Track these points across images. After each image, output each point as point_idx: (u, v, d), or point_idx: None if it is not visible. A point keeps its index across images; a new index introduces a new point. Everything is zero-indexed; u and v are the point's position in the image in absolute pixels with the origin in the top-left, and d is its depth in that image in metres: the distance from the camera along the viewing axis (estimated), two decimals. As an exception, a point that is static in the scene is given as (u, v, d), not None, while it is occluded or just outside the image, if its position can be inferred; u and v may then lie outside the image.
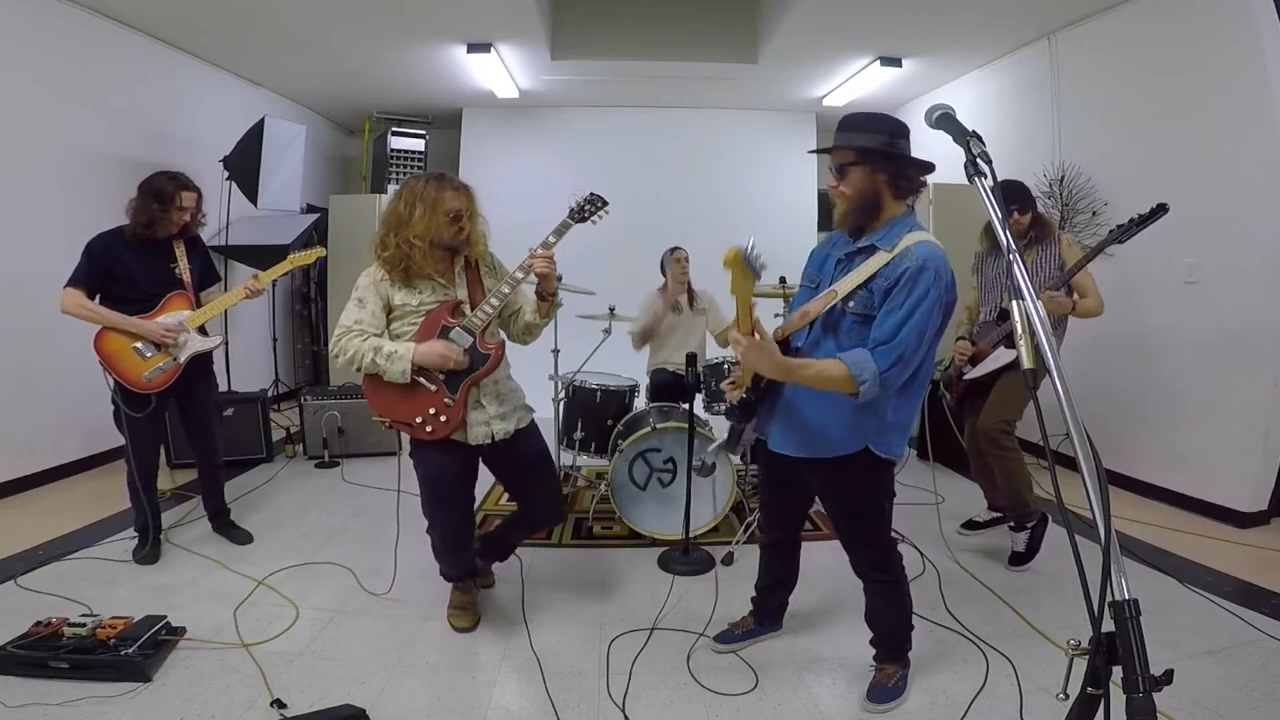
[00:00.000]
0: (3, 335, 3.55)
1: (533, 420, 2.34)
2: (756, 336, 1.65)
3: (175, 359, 2.73)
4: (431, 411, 2.05)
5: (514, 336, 2.30)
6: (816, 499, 2.03)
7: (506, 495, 3.58)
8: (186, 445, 3.11)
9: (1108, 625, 0.83)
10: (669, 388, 3.62)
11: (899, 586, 1.96)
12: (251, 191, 4.80)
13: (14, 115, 3.56)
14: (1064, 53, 4.34)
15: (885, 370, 1.61)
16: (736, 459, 2.33)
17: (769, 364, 1.65)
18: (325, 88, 5.90)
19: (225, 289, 3.07)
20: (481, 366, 2.09)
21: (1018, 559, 2.84)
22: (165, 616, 2.16)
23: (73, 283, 2.62)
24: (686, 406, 2.98)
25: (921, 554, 2.95)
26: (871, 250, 1.73)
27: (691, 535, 2.89)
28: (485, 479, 2.80)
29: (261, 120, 4.77)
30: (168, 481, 3.62)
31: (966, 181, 1.13)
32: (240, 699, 1.92)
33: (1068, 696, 0.90)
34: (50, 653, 1.96)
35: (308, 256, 3.08)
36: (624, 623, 2.40)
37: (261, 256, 4.54)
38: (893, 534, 1.97)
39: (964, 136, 1.14)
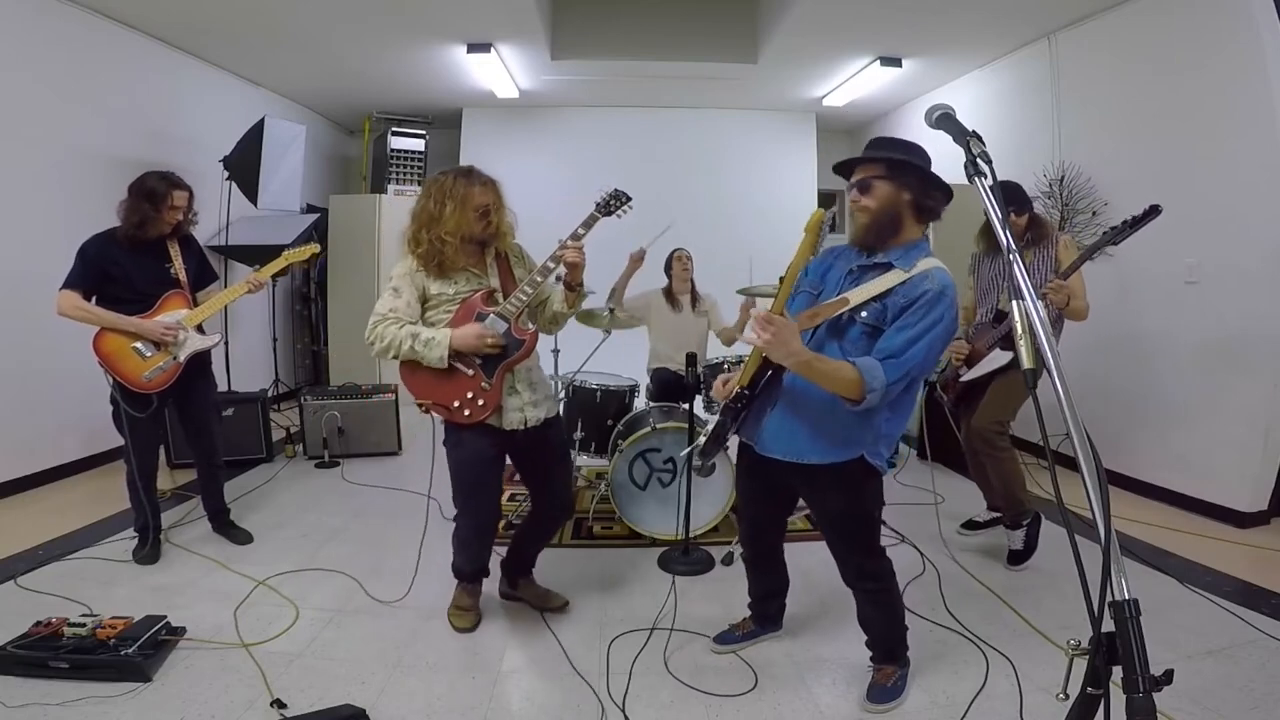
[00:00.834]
0: (3, 335, 3.55)
1: (559, 413, 2.38)
2: (767, 323, 1.61)
3: (175, 358, 2.73)
4: (469, 395, 2.09)
5: (542, 326, 2.34)
6: (798, 505, 2.03)
7: (505, 495, 3.59)
8: (186, 445, 3.10)
9: (1108, 625, 0.83)
10: (669, 388, 3.62)
11: (890, 594, 1.96)
12: (251, 191, 4.80)
13: (14, 115, 3.56)
14: (1064, 53, 4.34)
15: (892, 383, 1.63)
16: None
17: (791, 350, 1.59)
18: (325, 88, 5.90)
19: (224, 287, 3.07)
20: (517, 351, 2.13)
21: (1016, 557, 2.84)
22: (165, 616, 2.16)
23: (68, 285, 2.62)
24: (686, 406, 2.98)
25: (921, 554, 2.95)
26: (887, 267, 1.73)
27: (691, 535, 2.89)
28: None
29: (261, 120, 4.77)
30: (168, 481, 3.61)
31: (966, 181, 1.13)
32: (240, 699, 1.92)
33: (1068, 696, 0.90)
34: (50, 653, 1.96)
35: (302, 253, 3.08)
36: (624, 623, 2.40)
37: (261, 256, 4.52)
38: (887, 538, 1.98)
39: (964, 136, 1.14)
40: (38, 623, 2.08)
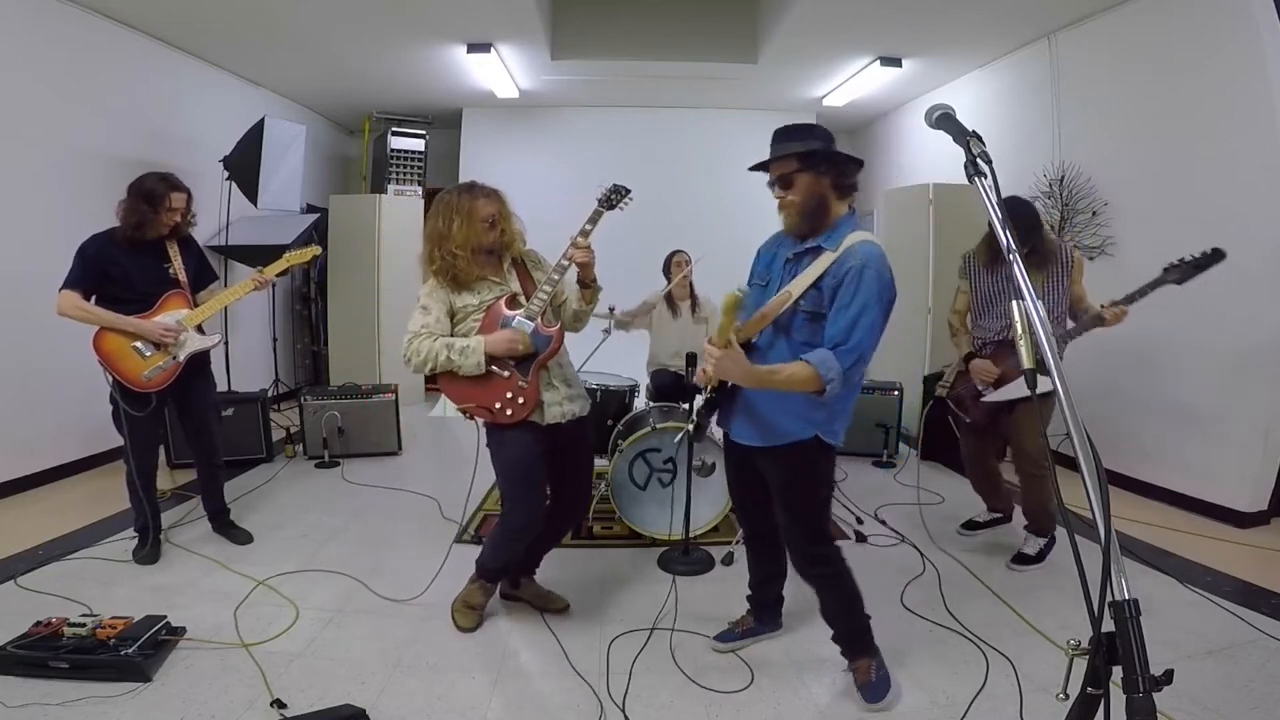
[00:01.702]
0: (3, 335, 3.55)
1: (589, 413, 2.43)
2: (729, 348, 1.71)
3: (175, 357, 2.74)
4: (509, 395, 2.15)
5: (567, 326, 2.38)
6: None
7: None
8: (186, 445, 3.09)
9: (1108, 625, 0.83)
10: (669, 389, 3.63)
11: (841, 580, 1.99)
12: (251, 191, 4.80)
13: (14, 115, 3.56)
14: (1064, 53, 4.34)
15: (848, 369, 1.70)
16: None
17: (741, 373, 1.72)
18: (325, 88, 5.90)
19: (225, 287, 3.07)
20: (546, 348, 2.20)
21: (1024, 559, 2.83)
22: (165, 616, 2.16)
23: (68, 285, 2.62)
24: (686, 407, 2.98)
25: (921, 554, 2.96)
26: (818, 251, 1.81)
27: (691, 535, 2.89)
28: (485, 479, 2.80)
29: (261, 120, 4.77)
30: (168, 481, 3.62)
31: (966, 181, 1.13)
32: (240, 699, 1.92)
33: (1068, 696, 0.90)
34: (50, 653, 1.96)
35: (304, 255, 3.09)
36: (624, 623, 2.40)
37: (262, 256, 4.52)
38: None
39: (964, 136, 1.14)
40: (38, 623, 2.08)
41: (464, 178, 2.25)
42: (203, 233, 2.96)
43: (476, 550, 2.48)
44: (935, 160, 5.45)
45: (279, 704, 1.87)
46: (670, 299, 3.91)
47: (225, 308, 2.96)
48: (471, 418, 2.23)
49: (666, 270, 3.96)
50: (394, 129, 6.42)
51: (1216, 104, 3.36)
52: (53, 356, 3.68)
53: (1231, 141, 3.31)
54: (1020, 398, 2.76)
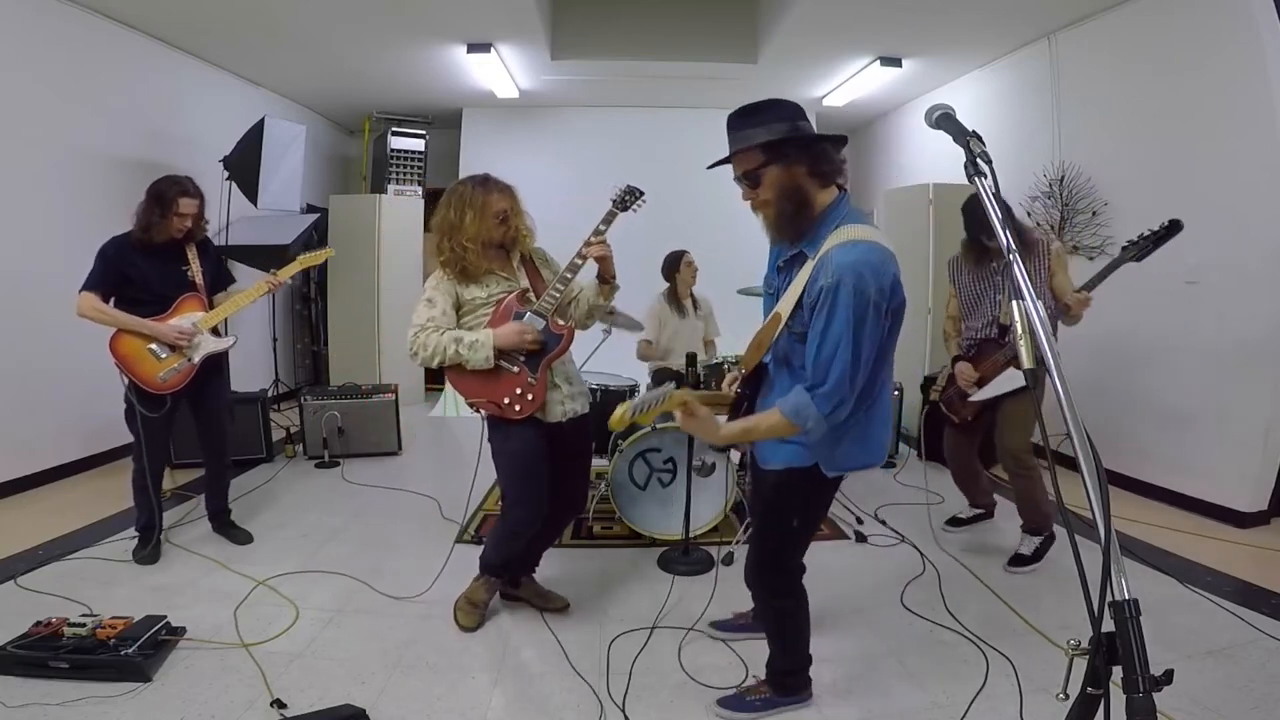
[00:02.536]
0: (3, 335, 3.55)
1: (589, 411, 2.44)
2: (687, 414, 1.52)
3: (190, 359, 2.76)
4: (518, 391, 2.15)
5: (577, 322, 2.39)
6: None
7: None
8: (189, 445, 3.09)
9: (1108, 625, 0.83)
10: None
11: (781, 617, 1.85)
12: (251, 191, 4.80)
13: (14, 115, 3.56)
14: (1064, 53, 4.34)
15: (828, 414, 1.46)
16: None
17: (712, 436, 1.55)
18: (325, 88, 5.90)
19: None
20: (556, 346, 2.20)
21: (1020, 560, 2.83)
22: (165, 616, 2.16)
23: (88, 286, 2.64)
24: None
25: (921, 554, 2.96)
26: (801, 258, 1.57)
27: (691, 535, 2.89)
28: (486, 479, 2.80)
29: (261, 120, 4.77)
30: (168, 481, 3.60)
31: (966, 181, 1.13)
32: (240, 699, 1.92)
33: (1068, 696, 0.90)
34: (50, 653, 1.96)
35: (317, 257, 3.11)
36: (624, 623, 2.40)
37: (262, 256, 4.54)
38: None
39: (964, 136, 1.14)
40: (38, 623, 2.08)
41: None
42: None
43: (477, 550, 2.48)
44: (935, 160, 5.45)
45: (279, 704, 1.87)
46: (676, 299, 3.92)
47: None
48: (478, 411, 2.23)
49: (666, 271, 3.96)
50: (394, 129, 6.41)
51: (1216, 104, 3.36)
52: (53, 356, 3.68)
53: (1231, 141, 3.31)
54: (1002, 394, 2.80)
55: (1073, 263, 3.35)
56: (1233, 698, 1.95)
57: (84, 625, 2.04)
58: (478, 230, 2.13)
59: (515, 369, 2.16)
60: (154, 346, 2.70)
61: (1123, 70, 3.91)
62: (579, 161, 6.33)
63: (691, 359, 2.93)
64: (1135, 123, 3.83)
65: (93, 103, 4.03)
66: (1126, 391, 3.86)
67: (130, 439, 2.81)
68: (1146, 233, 2.52)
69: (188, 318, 2.77)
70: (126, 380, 2.70)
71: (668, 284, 4.02)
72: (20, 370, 3.62)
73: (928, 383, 4.12)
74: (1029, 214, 4.42)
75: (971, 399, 2.90)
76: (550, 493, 2.33)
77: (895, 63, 5.01)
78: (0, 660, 1.97)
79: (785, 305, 1.55)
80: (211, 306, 2.86)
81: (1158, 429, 3.71)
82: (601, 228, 2.25)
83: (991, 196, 1.08)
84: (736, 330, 3.79)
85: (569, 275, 2.22)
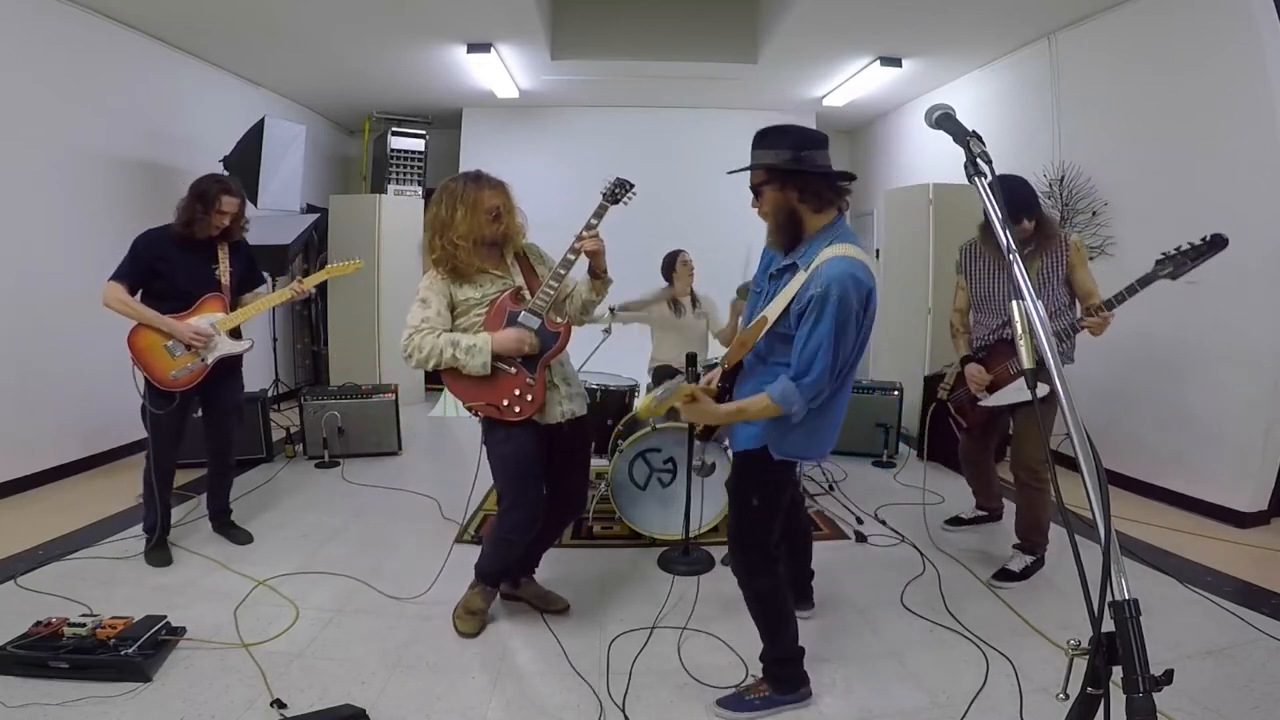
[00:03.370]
0: (3, 335, 3.54)
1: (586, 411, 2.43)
2: (694, 399, 1.72)
3: (203, 360, 2.77)
4: (516, 393, 2.13)
5: (573, 319, 2.38)
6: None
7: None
8: (189, 445, 3.08)
9: (1108, 625, 0.83)
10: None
11: (773, 603, 1.92)
12: (251, 191, 4.79)
13: (14, 115, 3.56)
14: (1064, 53, 4.34)
15: (810, 401, 1.67)
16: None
17: (710, 417, 1.76)
18: (325, 88, 5.91)
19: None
20: (553, 345, 2.18)
21: (1007, 575, 2.71)
22: (165, 616, 2.16)
23: (117, 277, 2.67)
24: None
25: (922, 554, 2.96)
26: (793, 269, 1.73)
27: (691, 535, 2.89)
28: (486, 479, 2.80)
29: (261, 120, 4.77)
30: (168, 481, 3.62)
31: (966, 181, 1.13)
32: (240, 699, 1.92)
33: (1068, 696, 0.90)
34: (50, 653, 1.96)
35: (345, 268, 3.12)
36: (624, 623, 2.40)
37: (261, 256, 4.52)
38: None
39: (964, 136, 1.14)
40: (38, 623, 2.08)
41: (463, 179, 2.23)
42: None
43: (477, 550, 2.47)
44: (935, 160, 5.45)
45: (279, 704, 1.87)
46: (675, 299, 3.92)
47: None
48: (476, 414, 2.21)
49: (666, 271, 3.96)
50: (394, 129, 6.42)
51: (1216, 104, 3.36)
52: (53, 356, 3.68)
53: (1231, 141, 3.31)
54: (1020, 402, 2.71)
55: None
56: (1233, 698, 1.94)
57: (84, 625, 2.04)
58: (469, 227, 2.10)
59: (513, 370, 2.14)
60: (170, 343, 2.72)
61: (1123, 70, 3.91)
62: (579, 162, 6.33)
63: (692, 358, 2.93)
64: (1135, 123, 3.83)
65: (93, 103, 4.03)
66: (1126, 391, 3.86)
67: (137, 438, 2.80)
68: (1185, 246, 2.28)
69: (207, 318, 2.78)
70: (141, 376, 2.71)
71: (666, 283, 4.01)
72: (20, 370, 3.62)
73: (931, 381, 4.11)
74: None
75: (982, 404, 2.79)
76: (549, 494, 2.32)
77: (895, 63, 5.01)
78: (0, 660, 1.97)
79: (773, 310, 1.72)
80: (237, 306, 2.88)
81: (1158, 429, 3.71)
82: (593, 221, 2.22)
83: (991, 196, 1.08)
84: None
85: (562, 271, 2.20)
